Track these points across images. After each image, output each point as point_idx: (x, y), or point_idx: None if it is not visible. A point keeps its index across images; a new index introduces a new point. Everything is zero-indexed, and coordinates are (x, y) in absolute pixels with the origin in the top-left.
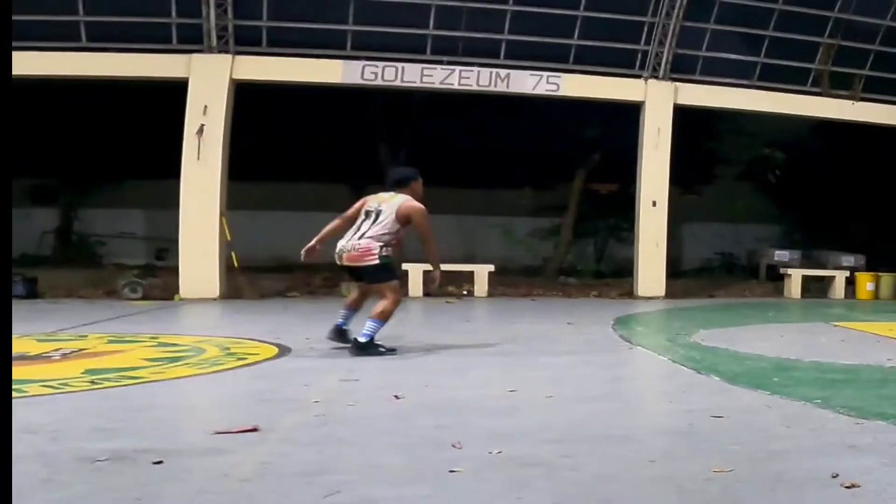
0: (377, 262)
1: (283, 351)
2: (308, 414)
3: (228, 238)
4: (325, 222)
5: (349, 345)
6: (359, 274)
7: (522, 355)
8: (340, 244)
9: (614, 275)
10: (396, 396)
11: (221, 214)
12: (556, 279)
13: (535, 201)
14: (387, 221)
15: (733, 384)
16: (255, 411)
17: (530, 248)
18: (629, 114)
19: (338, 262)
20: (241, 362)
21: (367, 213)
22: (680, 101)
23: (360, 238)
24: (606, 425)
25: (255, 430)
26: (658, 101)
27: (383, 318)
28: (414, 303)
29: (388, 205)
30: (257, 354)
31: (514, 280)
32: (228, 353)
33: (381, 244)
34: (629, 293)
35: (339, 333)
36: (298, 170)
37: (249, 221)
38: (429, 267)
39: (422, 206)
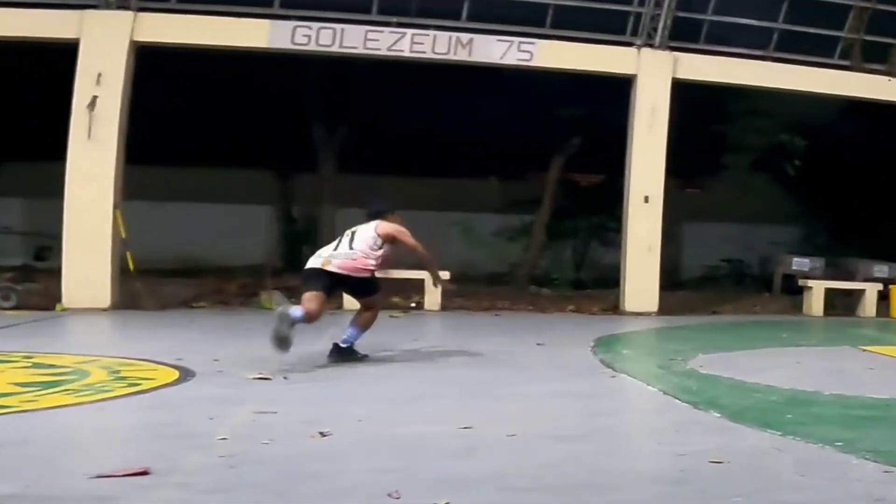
0: (370, 276)
1: (186, 375)
2: (213, 453)
3: (124, 235)
4: (245, 216)
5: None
6: (349, 284)
7: (481, 383)
8: (325, 251)
9: (597, 285)
10: (323, 433)
11: (116, 206)
12: (525, 289)
13: (502, 194)
14: (367, 237)
15: (737, 422)
16: (148, 449)
17: (495, 250)
18: (618, 90)
19: (318, 267)
20: (132, 388)
21: (343, 236)
22: (680, 75)
23: (350, 248)
24: (582, 471)
25: (145, 472)
26: (653, 74)
27: (366, 327)
28: (348, 318)
29: (365, 226)
30: (153, 379)
31: (475, 290)
32: (118, 377)
33: (374, 260)
34: (614, 308)
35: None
36: (213, 153)
37: (150, 215)
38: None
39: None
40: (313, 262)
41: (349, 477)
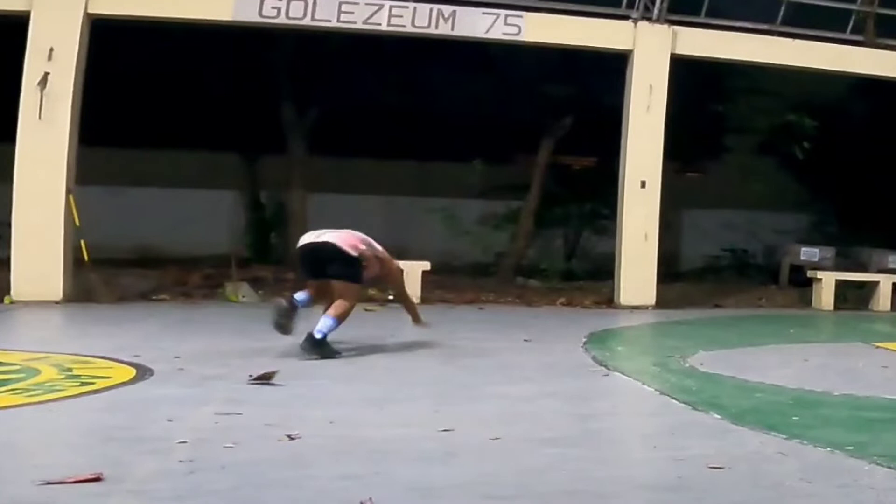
0: (358, 259)
1: (143, 373)
2: (171, 458)
3: (77, 222)
4: (209, 202)
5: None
6: (335, 258)
7: (462, 383)
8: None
9: (589, 276)
10: (290, 436)
11: (69, 191)
12: (512, 281)
13: (486, 179)
14: (373, 239)
15: (739, 424)
16: (101, 454)
17: (479, 239)
18: (612, 67)
19: (309, 239)
20: (86, 388)
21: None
22: (679, 51)
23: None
24: (571, 478)
25: (98, 479)
26: (651, 50)
27: (341, 318)
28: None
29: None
30: (108, 378)
31: (457, 281)
32: (70, 375)
33: (364, 247)
34: (608, 301)
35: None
36: (174, 134)
37: (106, 200)
38: None
39: None
40: (303, 241)
41: (318, 483)
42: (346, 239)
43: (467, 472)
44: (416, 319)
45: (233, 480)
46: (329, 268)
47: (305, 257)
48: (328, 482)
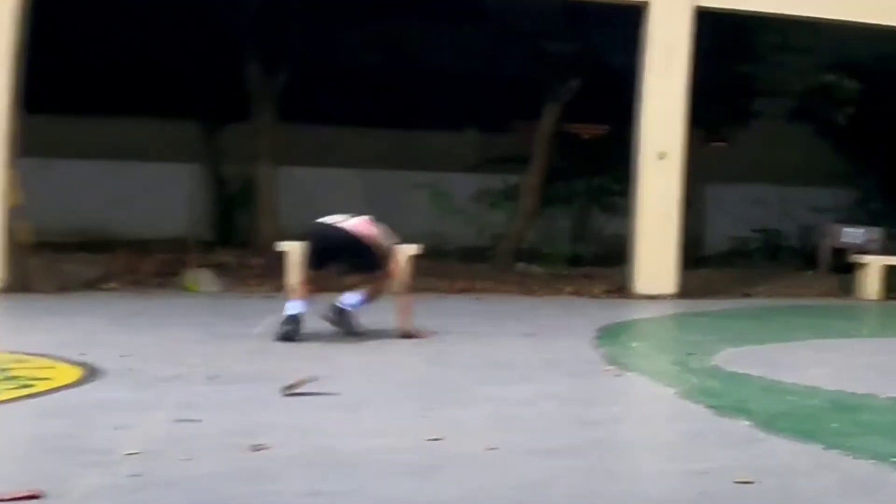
0: (378, 248)
1: (90, 374)
2: (118, 472)
3: (19, 200)
4: (164, 177)
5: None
6: (353, 251)
7: (452, 384)
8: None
9: (599, 262)
10: (256, 447)
11: (9, 165)
12: (511, 267)
13: (481, 149)
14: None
15: (770, 432)
16: (38, 466)
17: (473, 219)
18: (626, 22)
19: (328, 223)
20: (23, 391)
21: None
22: (703, 3)
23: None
24: (576, 493)
25: (35, 496)
26: (670, 2)
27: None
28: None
29: None
30: (50, 379)
31: (448, 268)
32: (7, 376)
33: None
34: (621, 290)
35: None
36: (125, 99)
37: (45, 175)
38: None
39: None
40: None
41: (283, 500)
42: (364, 225)
43: (455, 487)
44: (405, 329)
45: (186, 497)
46: (348, 259)
47: (321, 242)
48: (296, 499)
